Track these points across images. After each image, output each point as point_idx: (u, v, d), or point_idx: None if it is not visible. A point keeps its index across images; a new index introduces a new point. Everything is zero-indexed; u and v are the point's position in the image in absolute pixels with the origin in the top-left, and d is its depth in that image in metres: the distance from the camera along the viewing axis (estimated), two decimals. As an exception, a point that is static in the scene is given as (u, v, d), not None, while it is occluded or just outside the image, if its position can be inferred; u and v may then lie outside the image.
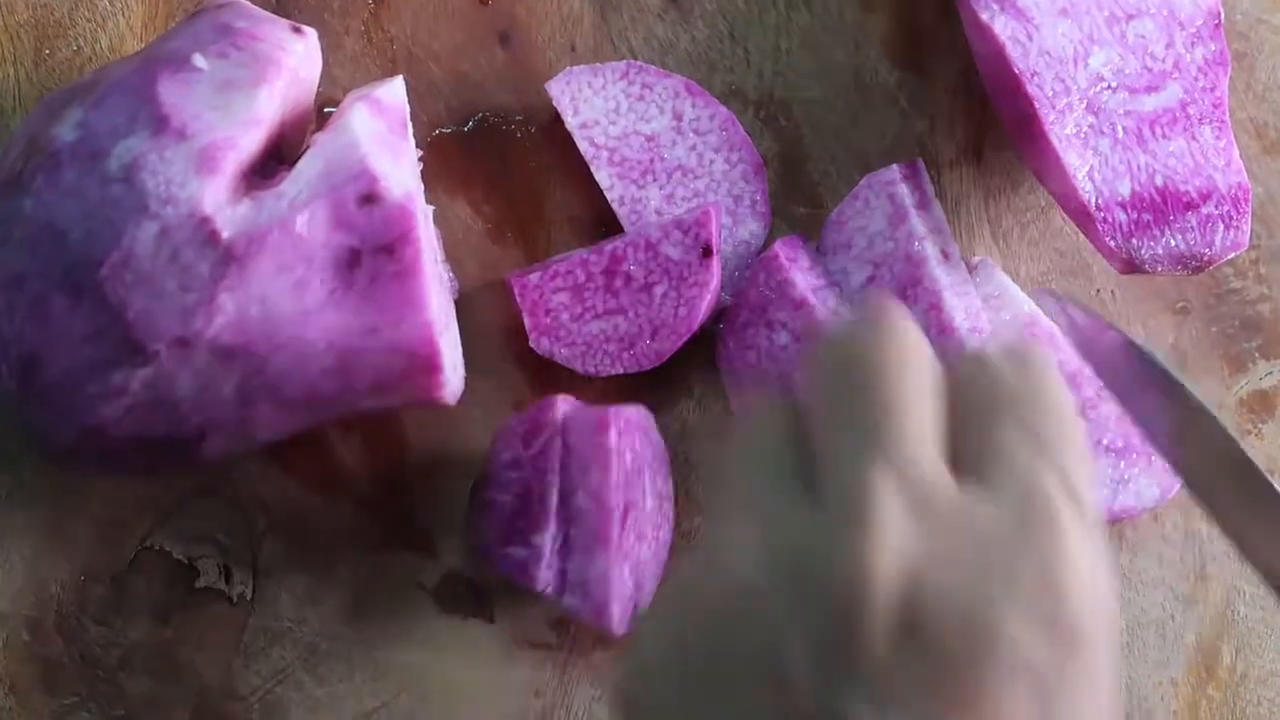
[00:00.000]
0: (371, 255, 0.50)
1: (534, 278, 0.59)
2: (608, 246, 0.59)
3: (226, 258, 0.49)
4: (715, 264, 0.59)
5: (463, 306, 0.59)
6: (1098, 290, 0.62)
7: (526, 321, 0.59)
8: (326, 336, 0.50)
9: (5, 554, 0.57)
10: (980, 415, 0.42)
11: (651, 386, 0.60)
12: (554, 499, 0.55)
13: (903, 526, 0.39)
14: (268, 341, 0.50)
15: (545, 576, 0.55)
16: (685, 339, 0.59)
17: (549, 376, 0.60)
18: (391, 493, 0.59)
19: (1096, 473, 0.43)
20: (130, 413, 0.50)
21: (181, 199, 0.49)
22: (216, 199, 0.49)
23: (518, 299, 0.59)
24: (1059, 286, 0.62)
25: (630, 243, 0.59)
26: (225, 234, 0.49)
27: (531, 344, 0.59)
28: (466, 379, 0.57)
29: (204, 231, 0.49)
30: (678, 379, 0.61)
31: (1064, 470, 0.40)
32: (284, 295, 0.50)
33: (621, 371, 0.59)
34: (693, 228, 0.59)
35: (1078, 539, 0.39)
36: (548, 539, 0.55)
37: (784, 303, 0.58)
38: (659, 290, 0.59)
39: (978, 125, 0.63)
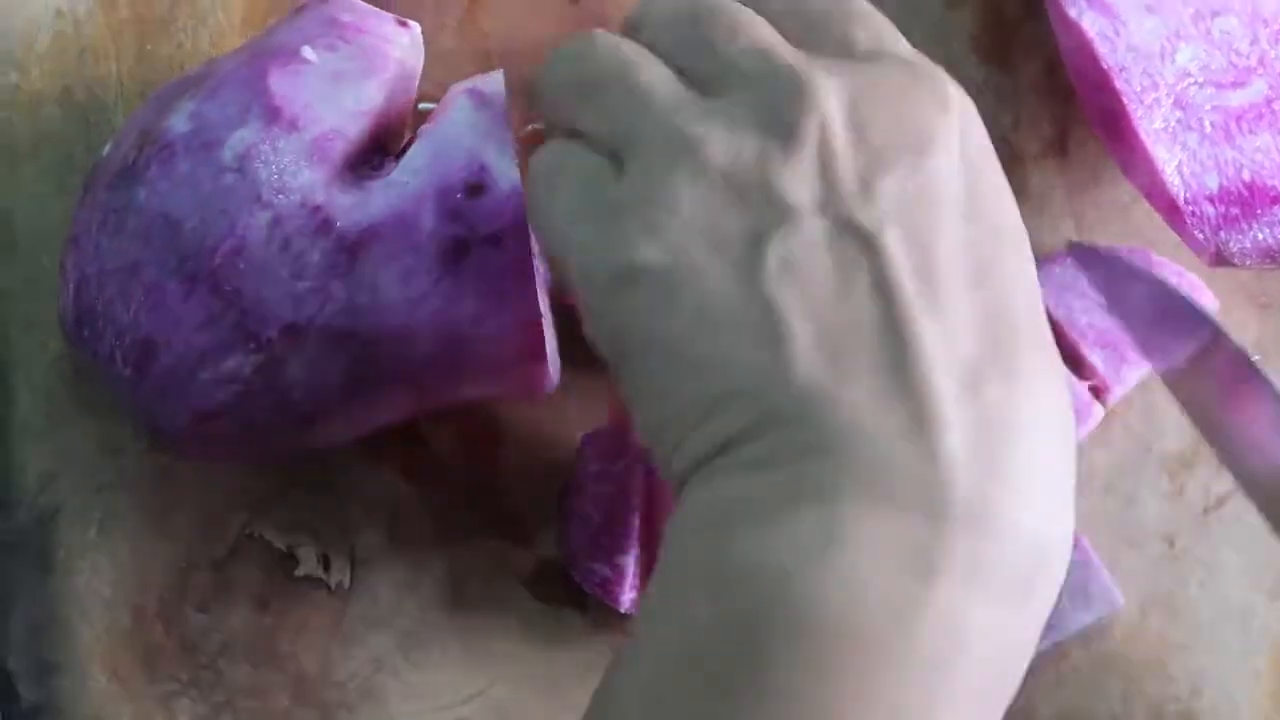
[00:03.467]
0: (479, 245, 0.51)
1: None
2: None
3: (338, 246, 0.50)
4: None
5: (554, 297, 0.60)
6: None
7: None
8: (433, 324, 0.51)
9: (109, 541, 0.58)
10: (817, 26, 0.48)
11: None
12: (635, 522, 0.56)
13: (833, 79, 0.45)
14: (376, 329, 0.51)
15: (628, 598, 0.56)
16: None
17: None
18: (486, 482, 0.59)
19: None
20: (242, 399, 0.51)
21: (294, 188, 0.50)
22: (328, 188, 0.50)
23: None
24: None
25: None
26: (337, 223, 0.50)
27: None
28: (561, 369, 0.58)
29: (316, 220, 0.50)
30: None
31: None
32: (393, 283, 0.50)
33: None
34: None
35: (958, 96, 0.46)
36: (630, 561, 0.56)
37: None
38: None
39: (1062, 121, 0.64)
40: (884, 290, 0.42)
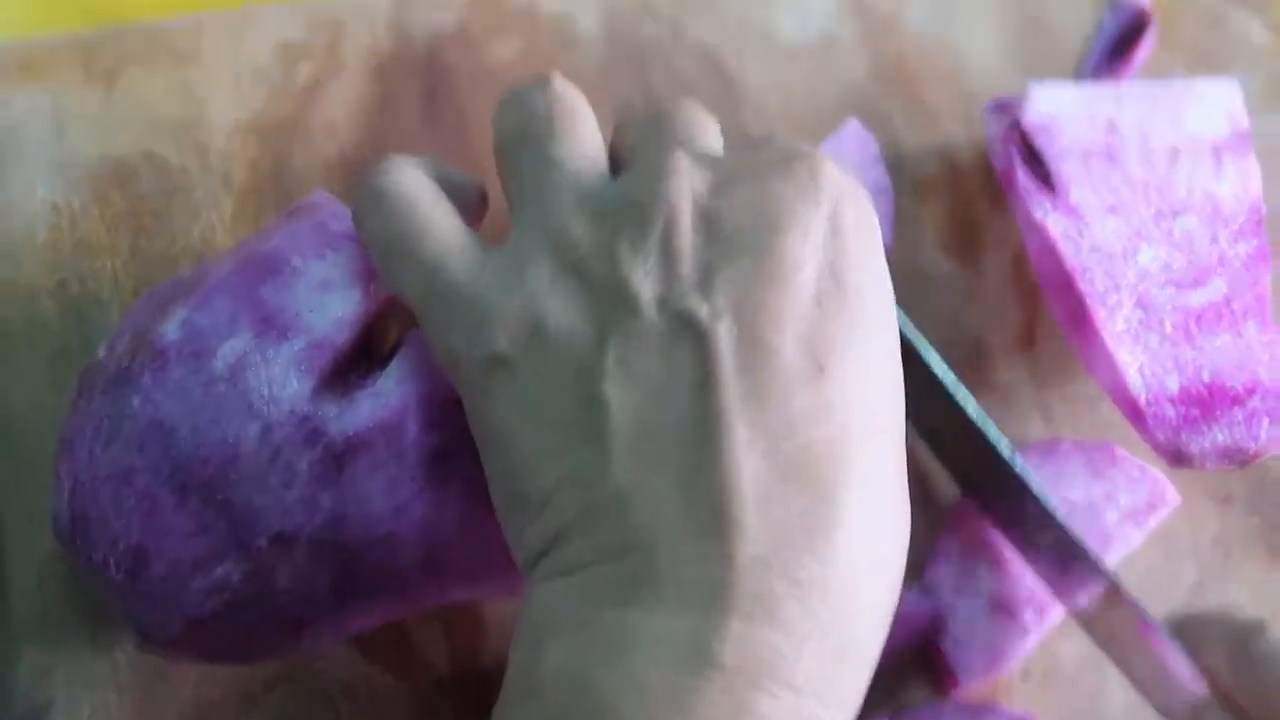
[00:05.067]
0: (459, 452, 0.52)
1: None
2: None
3: (325, 455, 0.51)
4: None
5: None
6: (1145, 477, 0.65)
7: None
8: (418, 531, 0.52)
9: (100, 737, 0.59)
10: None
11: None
12: None
13: (695, 168, 0.47)
14: (364, 536, 0.52)
15: None
16: None
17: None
18: (470, 676, 0.60)
19: None
20: (231, 606, 0.52)
21: (283, 398, 0.51)
22: (316, 398, 0.51)
23: None
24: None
25: None
26: (325, 432, 0.51)
27: None
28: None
29: (305, 430, 0.51)
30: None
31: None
32: (379, 491, 0.52)
33: None
34: None
35: (833, 175, 0.47)
36: None
37: None
38: None
39: (1029, 314, 0.66)
40: (705, 388, 0.44)
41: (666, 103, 0.52)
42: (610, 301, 0.46)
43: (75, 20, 0.65)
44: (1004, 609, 0.61)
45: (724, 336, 0.44)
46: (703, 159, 0.48)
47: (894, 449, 0.46)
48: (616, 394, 0.44)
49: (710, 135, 0.51)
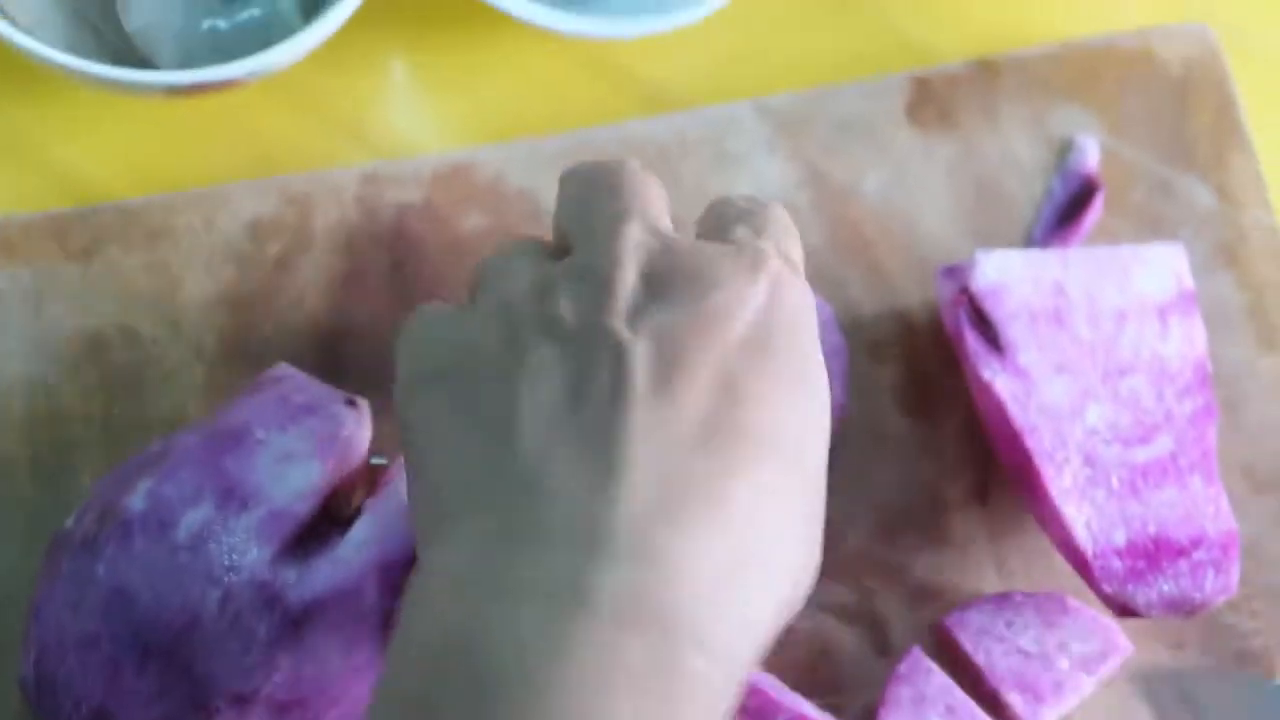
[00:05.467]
0: (418, 615, 0.54)
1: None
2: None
3: (284, 620, 0.53)
4: None
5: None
6: (1098, 628, 0.66)
7: None
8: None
9: None
10: (716, 221, 0.54)
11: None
12: None
13: (643, 238, 0.51)
14: (320, 697, 0.53)
15: None
16: None
17: None
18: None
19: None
20: (192, 767, 0.53)
21: (243, 565, 0.53)
22: (276, 565, 0.53)
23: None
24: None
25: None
26: (283, 598, 0.53)
27: None
28: None
29: (264, 595, 0.53)
30: None
31: (778, 241, 0.53)
32: (336, 653, 0.53)
33: None
34: None
35: (786, 277, 0.51)
36: None
37: None
38: None
39: (983, 469, 0.67)
40: (616, 385, 0.47)
41: (614, 167, 0.55)
42: (541, 324, 0.49)
43: (51, 199, 0.67)
44: None
45: (641, 354, 0.47)
46: (655, 233, 0.52)
47: (803, 493, 0.48)
48: (529, 394, 0.47)
49: (658, 204, 0.54)
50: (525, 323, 0.49)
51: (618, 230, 0.51)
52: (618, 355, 0.47)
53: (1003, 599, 0.64)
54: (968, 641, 0.63)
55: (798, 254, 0.55)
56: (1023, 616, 0.63)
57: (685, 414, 0.46)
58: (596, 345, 0.48)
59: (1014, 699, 0.62)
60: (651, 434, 0.46)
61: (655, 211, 0.53)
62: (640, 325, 0.48)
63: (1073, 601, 0.64)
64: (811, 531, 0.49)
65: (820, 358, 0.51)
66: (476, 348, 0.50)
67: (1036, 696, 0.62)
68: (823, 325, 0.63)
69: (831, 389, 0.51)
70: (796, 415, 0.49)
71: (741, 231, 0.53)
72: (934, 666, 0.63)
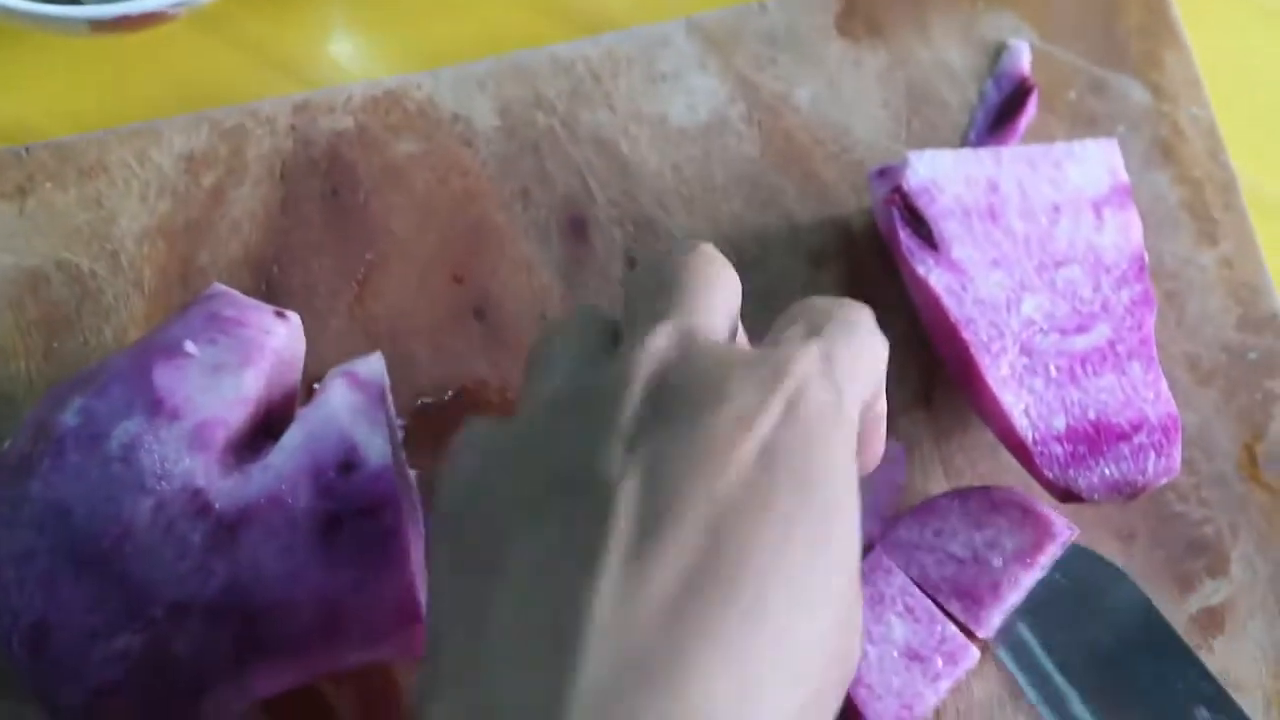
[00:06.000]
0: (352, 519, 0.54)
1: None
2: None
3: (218, 526, 0.53)
4: None
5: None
6: (1046, 520, 0.66)
7: None
8: (314, 595, 0.54)
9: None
10: (781, 322, 0.51)
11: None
12: None
13: (666, 347, 0.47)
14: (258, 602, 0.54)
15: None
16: None
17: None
18: (385, 741, 0.62)
19: (877, 391, 0.51)
20: (133, 675, 0.53)
21: (176, 474, 0.53)
22: (208, 473, 0.53)
23: None
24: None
25: None
26: (216, 505, 0.53)
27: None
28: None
29: (197, 504, 0.53)
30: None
31: (831, 355, 0.48)
32: (272, 558, 0.54)
33: None
34: None
35: (811, 387, 0.47)
36: None
37: None
38: None
39: (926, 371, 0.67)
40: (591, 547, 0.43)
41: (679, 260, 0.51)
42: (541, 469, 0.46)
43: (-21, 141, 0.68)
44: (916, 657, 0.62)
45: (626, 500, 0.43)
46: (688, 339, 0.48)
47: (810, 643, 0.44)
48: (516, 554, 0.44)
49: (717, 301, 0.50)
50: (532, 465, 0.46)
51: (642, 341, 0.47)
52: (601, 506, 0.43)
53: (928, 508, 0.64)
54: (899, 560, 0.63)
55: (864, 360, 0.50)
56: (949, 522, 0.63)
57: (664, 574, 0.42)
58: (584, 491, 0.44)
59: (954, 607, 0.62)
60: (622, 603, 0.42)
61: (707, 311, 0.49)
62: (636, 453, 0.44)
63: (1000, 494, 0.63)
64: (834, 672, 0.45)
65: (845, 473, 0.46)
66: (491, 489, 0.47)
67: (975, 600, 0.62)
68: (893, 464, 0.64)
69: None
70: (801, 557, 0.44)
71: (792, 332, 0.49)
72: (894, 566, 0.63)
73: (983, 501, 0.63)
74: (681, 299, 0.49)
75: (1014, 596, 0.62)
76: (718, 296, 0.50)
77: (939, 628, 0.62)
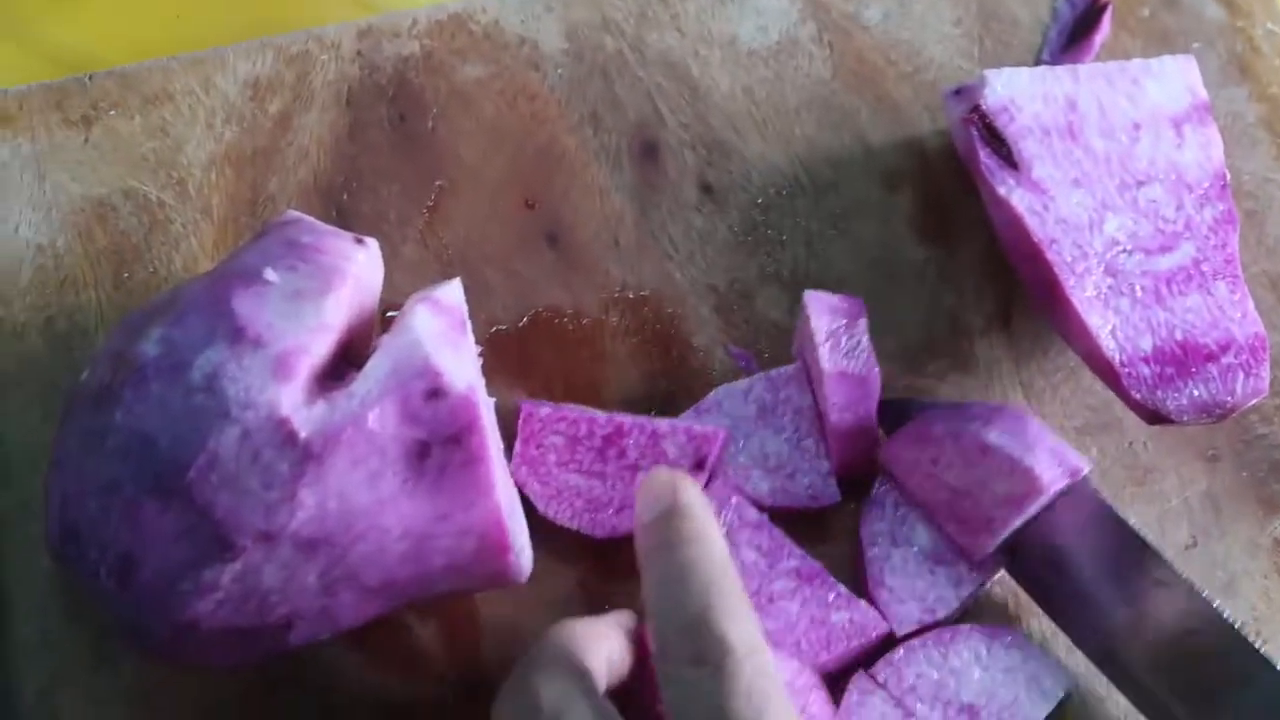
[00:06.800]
0: (440, 446, 0.53)
1: (544, 411, 0.62)
2: (619, 418, 0.62)
3: (304, 456, 0.52)
4: (701, 479, 0.62)
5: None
6: (1130, 443, 0.65)
7: (516, 446, 0.62)
8: (401, 524, 0.53)
9: (107, 751, 0.60)
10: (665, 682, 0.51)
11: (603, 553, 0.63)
12: None
13: None
14: (346, 532, 0.53)
15: None
16: None
17: (606, 553, 0.63)
18: (471, 672, 0.61)
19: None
20: (221, 606, 0.53)
21: (260, 403, 0.52)
22: (293, 401, 0.52)
23: (520, 422, 0.62)
24: (1092, 442, 0.65)
25: (639, 424, 0.62)
26: (302, 433, 0.52)
27: (511, 468, 0.62)
28: (534, 559, 0.60)
29: (282, 432, 0.52)
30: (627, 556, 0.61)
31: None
32: (360, 488, 0.53)
33: (576, 528, 0.62)
34: (697, 439, 0.62)
35: None
36: None
37: (744, 526, 0.62)
38: (643, 475, 0.61)
39: (1004, 293, 0.66)
40: None
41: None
42: None
43: (44, 71, 0.67)
44: (941, 560, 0.62)
45: None
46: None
47: None
48: None
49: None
50: None
51: None
52: None
53: (924, 434, 0.61)
54: (900, 471, 0.62)
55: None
56: (944, 454, 0.60)
57: None
58: None
59: (951, 529, 0.61)
60: None
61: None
62: None
63: (993, 434, 0.60)
64: None
65: None
66: None
67: (970, 528, 0.61)
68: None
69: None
70: None
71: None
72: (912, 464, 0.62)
73: (974, 442, 0.60)
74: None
75: (1005, 532, 0.60)
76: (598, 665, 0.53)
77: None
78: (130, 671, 0.60)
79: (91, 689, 0.60)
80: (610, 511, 0.62)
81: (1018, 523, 0.60)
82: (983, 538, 0.60)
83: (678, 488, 0.53)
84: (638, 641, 0.54)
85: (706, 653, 0.49)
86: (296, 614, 0.54)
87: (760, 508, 0.62)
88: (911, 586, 0.61)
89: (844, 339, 0.62)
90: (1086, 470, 0.59)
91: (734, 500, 0.61)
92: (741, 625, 0.50)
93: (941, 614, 0.61)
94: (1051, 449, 0.59)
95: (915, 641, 0.61)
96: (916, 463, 0.61)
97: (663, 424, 0.62)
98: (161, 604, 0.53)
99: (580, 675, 0.51)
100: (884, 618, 0.60)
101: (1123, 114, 0.64)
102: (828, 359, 0.61)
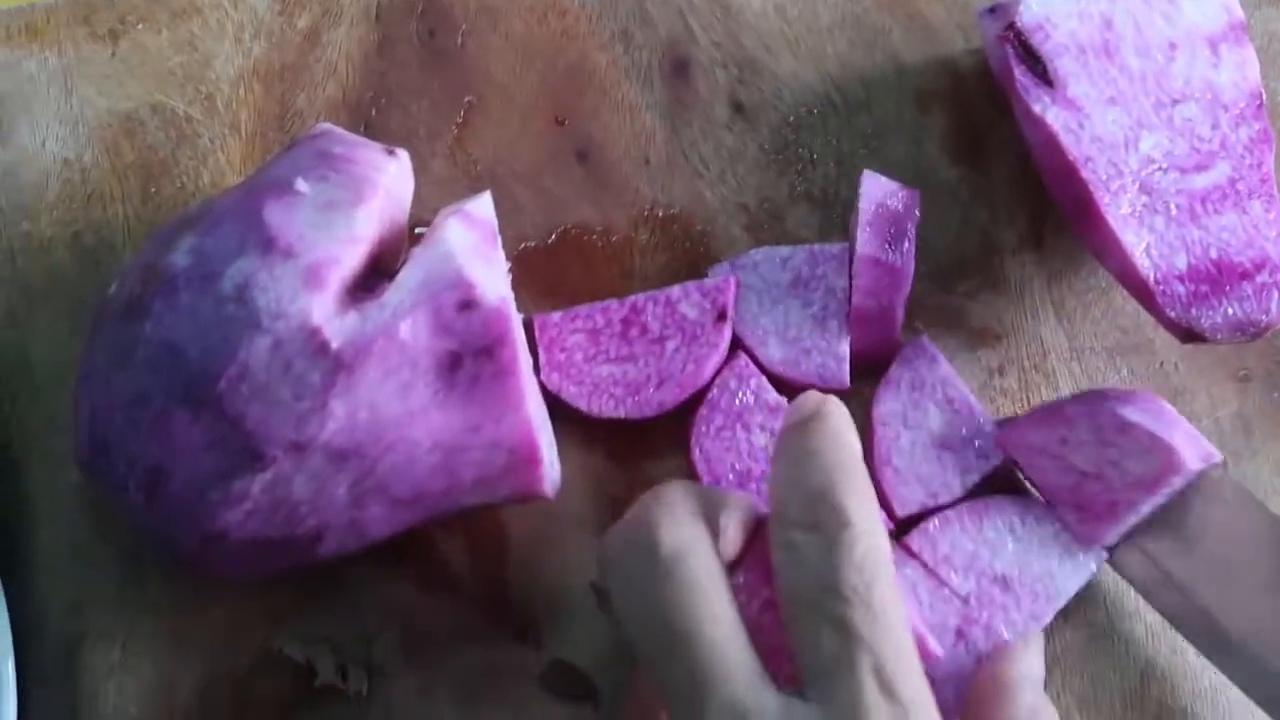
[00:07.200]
0: (471, 358, 0.53)
1: (555, 317, 0.62)
2: (630, 299, 0.62)
3: (336, 366, 0.52)
4: (727, 329, 0.62)
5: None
6: (1161, 363, 0.65)
7: (541, 357, 0.62)
8: (432, 436, 0.53)
9: (133, 661, 0.59)
10: (798, 612, 0.49)
11: (649, 435, 0.63)
12: None
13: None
14: (377, 443, 0.53)
15: None
16: (689, 394, 0.62)
17: (630, 464, 0.62)
18: (496, 587, 0.61)
19: (913, 651, 0.49)
20: (250, 517, 0.53)
21: (292, 313, 0.52)
22: (324, 311, 0.52)
23: (536, 335, 0.62)
24: (1123, 362, 0.65)
25: (651, 297, 0.62)
26: (334, 344, 0.52)
27: (542, 379, 0.62)
28: (562, 472, 0.60)
29: (314, 342, 0.52)
30: (678, 432, 0.62)
31: (880, 668, 0.47)
32: (391, 399, 0.52)
33: (623, 415, 0.62)
34: (712, 293, 0.62)
35: None
36: None
37: (759, 407, 0.61)
38: (671, 345, 0.62)
39: (1036, 213, 0.66)
40: None
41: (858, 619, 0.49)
42: None
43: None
44: (948, 447, 0.61)
45: None
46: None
47: None
48: None
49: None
50: None
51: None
52: None
53: (1057, 413, 0.60)
54: (1023, 458, 0.61)
55: (904, 644, 0.49)
56: (1075, 433, 0.59)
57: None
58: None
59: (1070, 517, 0.60)
60: None
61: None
62: None
63: (1133, 413, 0.59)
64: None
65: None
66: None
67: (1092, 515, 0.60)
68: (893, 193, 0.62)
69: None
70: None
71: (829, 658, 0.48)
72: (939, 355, 0.62)
73: (1113, 419, 0.59)
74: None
75: (1131, 518, 0.60)
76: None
77: (978, 421, 0.61)
78: (158, 586, 0.60)
79: (120, 603, 0.60)
80: (651, 389, 0.62)
81: (1147, 508, 0.59)
82: (1105, 524, 0.60)
83: (823, 399, 0.52)
84: (751, 533, 0.54)
85: (825, 522, 0.49)
86: (325, 525, 0.54)
87: (768, 374, 0.62)
88: (917, 469, 0.61)
89: (888, 227, 0.61)
90: (1219, 459, 0.59)
91: (754, 382, 0.62)
92: (865, 505, 0.49)
93: (944, 499, 0.61)
94: (1188, 432, 0.58)
95: (950, 512, 0.61)
96: (1043, 445, 0.60)
97: (674, 290, 0.62)
98: (190, 515, 0.53)
99: (703, 527, 0.51)
100: (888, 498, 0.61)
101: (1159, 32, 0.63)
102: (865, 242, 0.61)
